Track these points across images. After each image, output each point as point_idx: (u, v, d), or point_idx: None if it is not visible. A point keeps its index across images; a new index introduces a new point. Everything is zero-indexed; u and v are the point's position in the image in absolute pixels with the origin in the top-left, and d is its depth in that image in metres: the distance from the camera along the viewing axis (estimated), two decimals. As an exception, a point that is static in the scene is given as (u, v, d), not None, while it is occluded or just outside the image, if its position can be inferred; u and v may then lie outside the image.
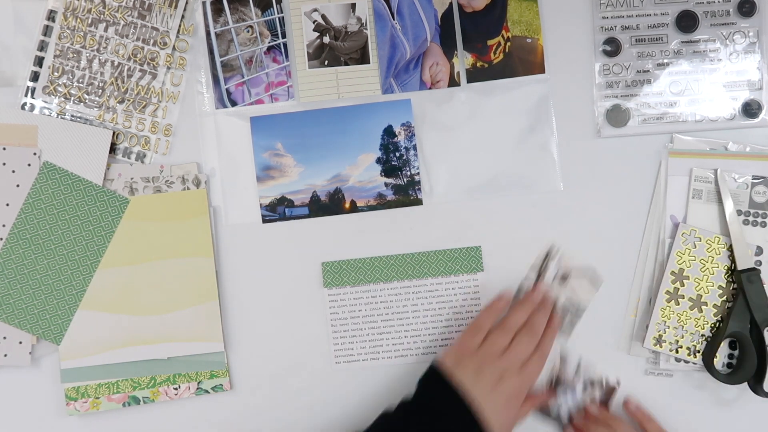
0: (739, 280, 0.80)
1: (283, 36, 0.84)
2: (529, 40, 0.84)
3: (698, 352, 0.82)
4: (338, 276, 0.83)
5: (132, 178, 0.82)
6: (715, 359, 0.81)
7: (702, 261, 0.82)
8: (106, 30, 0.82)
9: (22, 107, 0.82)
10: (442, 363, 0.74)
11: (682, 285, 0.82)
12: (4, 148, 0.81)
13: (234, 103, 0.83)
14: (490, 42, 0.84)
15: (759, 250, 0.82)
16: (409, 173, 0.84)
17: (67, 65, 0.82)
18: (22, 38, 0.82)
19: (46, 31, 0.82)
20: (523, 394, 0.75)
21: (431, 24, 0.84)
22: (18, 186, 0.81)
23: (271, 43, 0.84)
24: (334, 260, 0.83)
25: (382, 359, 0.84)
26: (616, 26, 0.84)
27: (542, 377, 0.81)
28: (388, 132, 0.83)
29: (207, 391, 0.82)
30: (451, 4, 0.84)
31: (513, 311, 0.78)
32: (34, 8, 0.82)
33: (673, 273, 0.82)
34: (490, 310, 0.78)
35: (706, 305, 0.82)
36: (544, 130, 0.84)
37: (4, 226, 0.81)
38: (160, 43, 0.83)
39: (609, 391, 0.82)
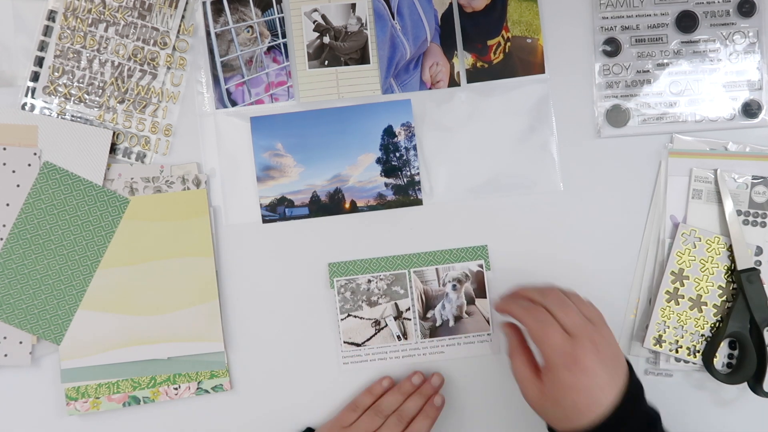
0: (739, 280, 0.80)
1: (283, 36, 0.84)
2: (529, 40, 0.84)
3: (698, 352, 0.82)
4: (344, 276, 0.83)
5: (132, 178, 0.82)
6: (714, 359, 0.81)
7: (702, 261, 0.82)
8: (106, 30, 0.82)
9: (23, 107, 0.82)
10: None
11: (682, 285, 0.82)
12: (5, 148, 0.81)
13: (234, 103, 0.83)
14: (490, 42, 0.84)
15: (759, 250, 0.82)
16: (409, 173, 0.84)
17: (68, 65, 0.82)
18: (22, 38, 0.82)
19: (47, 31, 0.82)
20: None
21: (431, 24, 0.84)
22: (18, 186, 0.81)
23: (271, 43, 0.84)
24: (340, 261, 0.83)
25: (389, 359, 0.84)
26: (616, 26, 0.84)
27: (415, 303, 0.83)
28: (388, 132, 0.83)
29: (207, 391, 0.82)
30: (451, 4, 0.84)
31: (387, 395, 0.80)
32: (34, 8, 0.82)
33: (673, 273, 0.82)
34: (369, 391, 0.81)
35: (706, 305, 0.82)
36: (544, 130, 0.84)
37: (4, 226, 0.81)
38: (160, 43, 0.83)
39: (479, 277, 0.82)
